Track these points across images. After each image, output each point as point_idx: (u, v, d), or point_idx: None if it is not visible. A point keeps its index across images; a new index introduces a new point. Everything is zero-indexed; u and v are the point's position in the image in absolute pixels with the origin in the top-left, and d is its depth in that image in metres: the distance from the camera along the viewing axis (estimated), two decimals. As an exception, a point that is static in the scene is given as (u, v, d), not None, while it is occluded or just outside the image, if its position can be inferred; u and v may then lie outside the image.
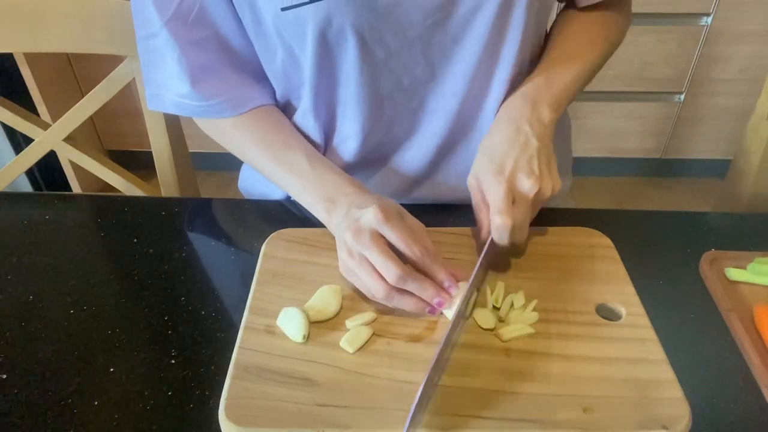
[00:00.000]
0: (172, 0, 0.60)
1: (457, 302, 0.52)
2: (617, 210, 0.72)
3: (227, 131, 0.68)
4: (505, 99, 0.64)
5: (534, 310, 0.54)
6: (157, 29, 0.62)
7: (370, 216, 0.52)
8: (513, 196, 0.55)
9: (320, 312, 0.54)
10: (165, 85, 0.66)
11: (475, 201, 0.59)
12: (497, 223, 0.54)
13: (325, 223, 0.60)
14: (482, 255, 0.56)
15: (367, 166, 0.71)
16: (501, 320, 0.54)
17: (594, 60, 0.67)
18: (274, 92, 0.70)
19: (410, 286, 0.51)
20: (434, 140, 0.68)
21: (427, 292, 0.51)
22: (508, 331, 0.52)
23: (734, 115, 1.97)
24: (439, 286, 0.52)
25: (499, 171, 0.56)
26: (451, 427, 0.45)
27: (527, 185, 0.56)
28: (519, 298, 0.55)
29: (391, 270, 0.50)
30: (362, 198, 0.57)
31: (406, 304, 0.52)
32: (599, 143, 2.08)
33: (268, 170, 0.66)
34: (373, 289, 0.51)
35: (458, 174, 0.71)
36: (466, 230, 0.64)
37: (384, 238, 0.52)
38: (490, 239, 0.56)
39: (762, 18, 1.77)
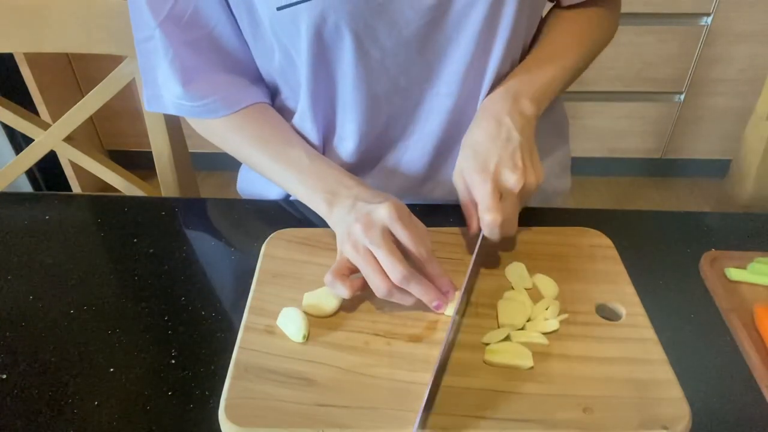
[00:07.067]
0: (166, 1, 0.60)
1: (454, 303, 0.52)
2: (617, 210, 0.72)
3: (222, 131, 0.68)
4: None
5: (560, 320, 0.53)
6: (152, 31, 0.62)
7: (384, 212, 0.52)
8: (500, 192, 0.56)
9: (315, 307, 0.54)
10: (164, 86, 0.66)
11: (463, 198, 0.59)
12: (487, 220, 0.54)
13: (323, 215, 0.59)
14: (475, 252, 0.57)
15: (364, 167, 0.71)
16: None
17: (577, 60, 0.68)
18: (267, 94, 0.70)
19: (413, 288, 0.51)
20: (430, 141, 0.68)
21: (428, 295, 0.52)
22: (522, 335, 0.52)
23: (734, 115, 1.97)
24: (439, 290, 0.52)
25: (484, 168, 0.56)
26: (451, 427, 0.45)
27: (512, 180, 0.56)
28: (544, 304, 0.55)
29: (397, 270, 0.50)
30: (368, 192, 0.57)
31: (404, 300, 0.52)
32: (599, 143, 2.08)
33: (266, 167, 0.65)
34: (375, 285, 0.51)
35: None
36: (466, 230, 0.64)
37: (393, 236, 0.52)
38: (481, 235, 0.57)
39: (762, 18, 1.77)
